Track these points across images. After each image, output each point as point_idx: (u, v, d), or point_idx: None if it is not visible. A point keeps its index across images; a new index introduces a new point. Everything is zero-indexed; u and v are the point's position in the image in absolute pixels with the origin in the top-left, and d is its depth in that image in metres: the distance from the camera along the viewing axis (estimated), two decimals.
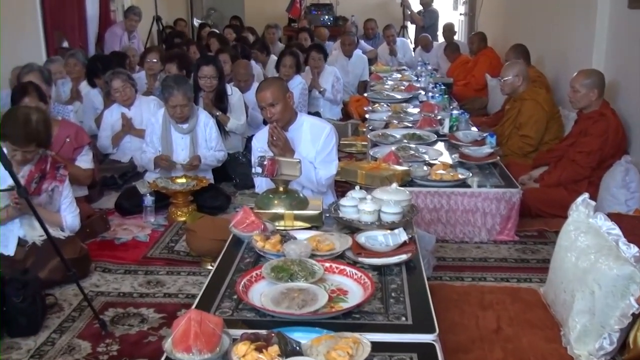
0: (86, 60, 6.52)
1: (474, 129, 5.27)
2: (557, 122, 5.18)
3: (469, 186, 4.02)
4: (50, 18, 7.31)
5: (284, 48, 7.95)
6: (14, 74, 5.63)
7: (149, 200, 4.53)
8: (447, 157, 4.52)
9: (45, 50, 7.14)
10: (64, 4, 7.73)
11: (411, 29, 11.53)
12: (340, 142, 5.44)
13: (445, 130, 5.13)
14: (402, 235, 2.53)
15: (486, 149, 4.53)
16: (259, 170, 3.01)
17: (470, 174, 4.08)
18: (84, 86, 6.23)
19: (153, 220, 4.53)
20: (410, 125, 5.35)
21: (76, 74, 6.33)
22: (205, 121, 4.89)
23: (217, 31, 9.96)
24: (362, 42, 10.04)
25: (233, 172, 5.31)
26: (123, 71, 5.71)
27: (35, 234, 3.51)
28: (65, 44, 7.75)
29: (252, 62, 7.10)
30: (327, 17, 11.70)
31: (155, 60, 6.53)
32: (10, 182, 3.18)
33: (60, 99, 6.16)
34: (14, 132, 3.38)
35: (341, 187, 4.56)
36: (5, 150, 3.29)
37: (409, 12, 10.99)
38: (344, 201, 2.87)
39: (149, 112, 5.45)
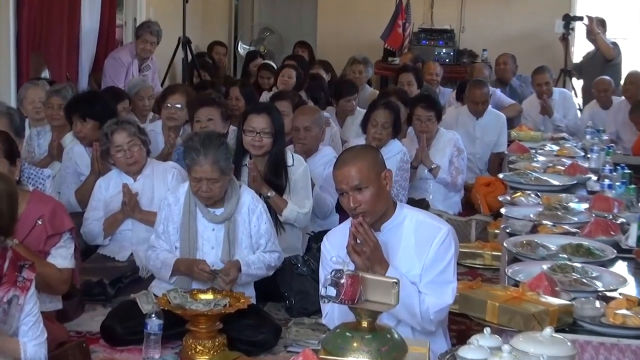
0: None
1: None
2: None
3: None
4: (28, 36, 7.67)
5: (377, 96, 8.06)
6: None
7: (154, 324, 4.55)
8: (632, 288, 4.42)
9: (15, 82, 7.47)
10: (49, 16, 8.10)
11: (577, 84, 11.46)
12: (459, 249, 5.41)
13: (631, 242, 5.03)
14: None
15: None
16: (332, 292, 3.01)
17: None
18: (68, 139, 6.39)
19: (158, 357, 4.55)
20: (573, 230, 5.28)
21: (60, 121, 6.50)
22: (250, 205, 4.94)
23: (273, 64, 10.17)
24: (497, 91, 9.95)
25: (286, 288, 5.33)
26: (132, 121, 5.88)
27: None
28: (46, 74, 8.03)
29: (327, 114, 7.21)
30: (444, 50, 11.75)
31: (179, 106, 6.72)
32: None
33: (31, 156, 6.35)
34: None
35: (457, 324, 4.51)
36: None
37: (595, 40, 10.56)
38: (464, 351, 2.85)
39: (164, 186, 5.60)
